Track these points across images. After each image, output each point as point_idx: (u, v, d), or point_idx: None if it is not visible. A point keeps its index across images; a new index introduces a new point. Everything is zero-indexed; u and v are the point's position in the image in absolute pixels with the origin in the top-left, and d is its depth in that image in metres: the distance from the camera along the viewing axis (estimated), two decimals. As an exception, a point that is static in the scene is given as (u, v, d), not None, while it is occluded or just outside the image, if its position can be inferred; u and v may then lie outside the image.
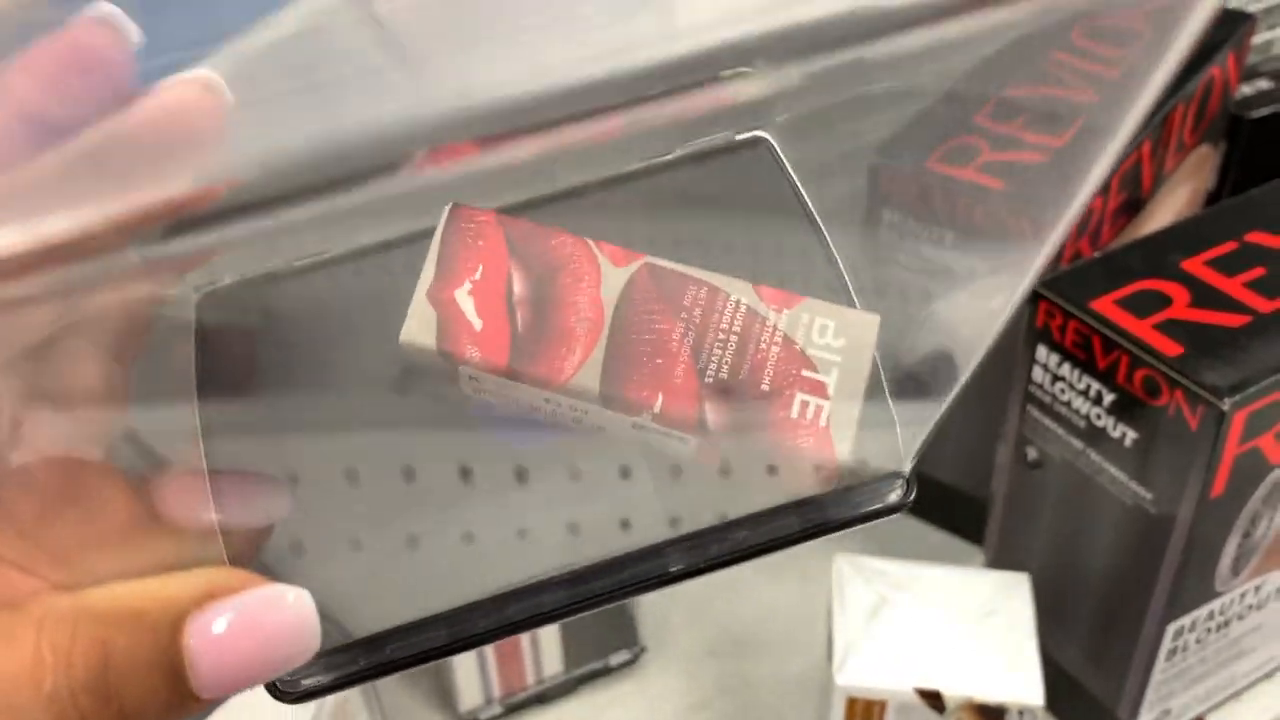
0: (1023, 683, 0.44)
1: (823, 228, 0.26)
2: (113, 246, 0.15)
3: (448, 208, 0.22)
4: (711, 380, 0.22)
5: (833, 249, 0.26)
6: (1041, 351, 0.48)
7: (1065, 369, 0.47)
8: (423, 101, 0.17)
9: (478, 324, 0.21)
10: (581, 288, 0.22)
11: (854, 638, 0.45)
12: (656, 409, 0.22)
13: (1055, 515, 0.51)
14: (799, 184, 0.25)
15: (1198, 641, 0.50)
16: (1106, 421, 0.46)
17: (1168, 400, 0.44)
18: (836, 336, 0.23)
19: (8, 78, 0.16)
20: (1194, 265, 0.48)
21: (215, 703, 0.17)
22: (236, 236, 0.17)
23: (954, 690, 0.43)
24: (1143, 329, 0.45)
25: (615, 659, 0.56)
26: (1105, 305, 0.46)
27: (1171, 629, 0.48)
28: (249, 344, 0.23)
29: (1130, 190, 0.56)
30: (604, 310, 0.22)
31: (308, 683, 0.20)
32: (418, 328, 0.22)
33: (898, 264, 0.54)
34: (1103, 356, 0.46)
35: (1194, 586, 0.47)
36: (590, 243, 0.23)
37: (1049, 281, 0.48)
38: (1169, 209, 0.61)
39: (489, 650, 0.53)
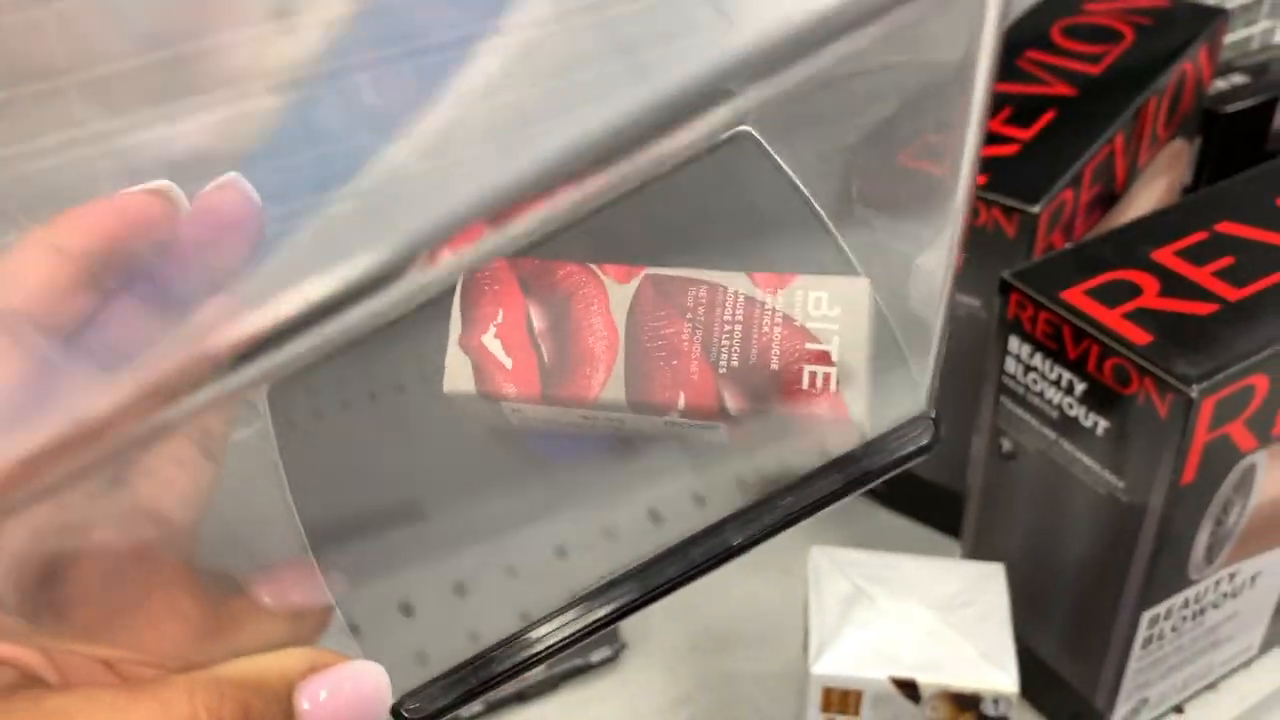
0: (997, 671, 0.44)
1: (816, 206, 0.27)
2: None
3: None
4: (725, 370, 0.24)
5: (829, 224, 0.27)
6: (1013, 342, 0.49)
7: (1037, 359, 0.48)
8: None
9: (508, 363, 0.23)
10: (593, 310, 0.24)
11: (829, 628, 0.46)
12: (681, 406, 0.24)
13: (1030, 506, 0.52)
14: (787, 169, 0.26)
15: (1173, 630, 0.50)
16: (1078, 411, 0.47)
17: (1138, 389, 0.44)
18: (832, 306, 0.24)
19: (65, 224, 0.19)
20: (1164, 255, 0.48)
21: None
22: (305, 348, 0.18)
23: (929, 679, 0.44)
24: (1112, 318, 0.45)
25: (596, 656, 0.56)
26: (1075, 296, 0.46)
27: (1146, 617, 0.48)
28: (321, 425, 0.24)
29: (1104, 183, 0.56)
30: (617, 326, 0.24)
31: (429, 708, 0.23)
32: (456, 377, 0.24)
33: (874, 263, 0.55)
34: (1073, 346, 0.46)
35: (1168, 574, 0.47)
36: (593, 267, 0.24)
37: (1020, 273, 0.48)
38: (1144, 203, 0.62)
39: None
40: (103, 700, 0.17)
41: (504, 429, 0.25)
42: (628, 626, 0.57)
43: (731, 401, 0.24)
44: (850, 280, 0.25)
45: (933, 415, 0.27)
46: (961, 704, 0.44)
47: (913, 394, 0.26)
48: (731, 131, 0.26)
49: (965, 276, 0.54)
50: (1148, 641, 0.49)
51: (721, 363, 0.24)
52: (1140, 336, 0.44)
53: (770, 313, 0.24)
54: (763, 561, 0.63)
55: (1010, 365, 0.49)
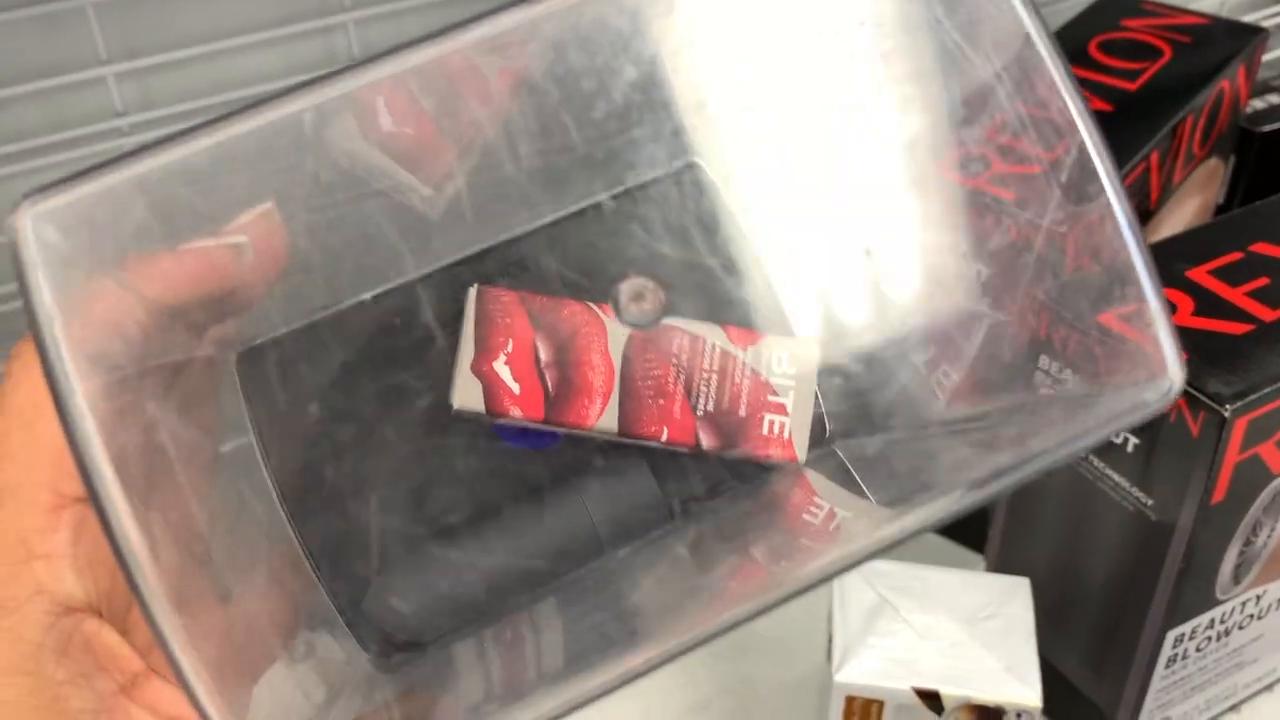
0: (1021, 685, 0.44)
1: (753, 247, 0.31)
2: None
3: (473, 290, 0.27)
4: (702, 413, 0.28)
5: (765, 268, 0.31)
6: (1044, 361, 0.49)
7: (1067, 375, 0.48)
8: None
9: (516, 388, 0.27)
10: (593, 347, 0.28)
11: (853, 637, 0.46)
12: (664, 439, 0.28)
13: (1056, 521, 0.51)
14: (730, 208, 0.30)
15: (1198, 650, 0.50)
16: (1109, 427, 0.47)
17: (1170, 407, 0.44)
18: (790, 365, 0.29)
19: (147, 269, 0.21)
20: (1198, 274, 0.48)
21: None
22: None
23: (952, 691, 0.44)
24: (1146, 336, 0.45)
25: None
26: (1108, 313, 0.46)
27: (1171, 636, 0.48)
28: (296, 394, 0.26)
29: (1138, 200, 0.56)
30: (613, 364, 0.27)
31: None
32: (467, 396, 0.27)
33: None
34: (1106, 363, 0.46)
35: (1194, 594, 0.47)
36: (594, 307, 0.28)
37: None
38: (1177, 221, 0.61)
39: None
40: None
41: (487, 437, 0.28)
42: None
43: (705, 440, 0.28)
44: (805, 342, 0.30)
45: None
46: (984, 717, 0.44)
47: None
48: (683, 163, 0.30)
49: (992, 290, 0.53)
50: (1171, 661, 0.49)
51: (700, 406, 0.28)
52: (1173, 354, 0.44)
53: (741, 365, 0.29)
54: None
55: (1040, 381, 0.49)
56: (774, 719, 0.55)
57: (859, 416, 0.30)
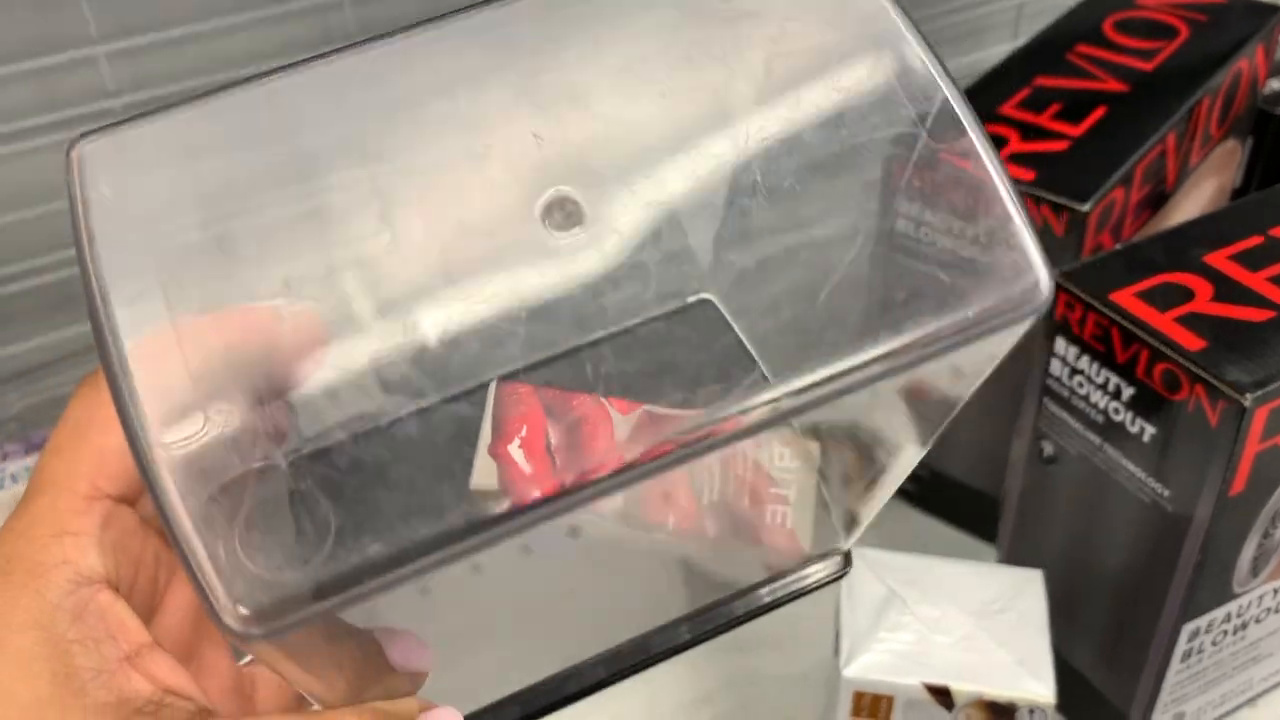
0: (1034, 680, 0.43)
1: (769, 377, 0.31)
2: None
3: (494, 382, 0.28)
4: (707, 502, 0.29)
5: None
6: (1060, 344, 0.47)
7: (1084, 362, 0.47)
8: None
9: (528, 468, 0.28)
10: (600, 434, 0.28)
11: (862, 631, 0.45)
12: (669, 527, 0.29)
13: (1070, 512, 0.50)
14: (745, 342, 0.30)
15: (1214, 644, 0.49)
16: (1125, 416, 0.45)
17: (1188, 395, 0.43)
18: (792, 460, 0.30)
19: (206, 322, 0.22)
20: (1217, 259, 0.47)
21: None
22: None
23: (963, 686, 0.43)
24: (1164, 322, 0.44)
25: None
26: (1126, 298, 0.45)
27: (1187, 630, 0.47)
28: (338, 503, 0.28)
29: (1154, 183, 0.55)
30: (620, 453, 0.28)
31: None
32: (484, 476, 0.28)
33: (915, 258, 0.54)
34: (1122, 350, 0.45)
35: (1211, 587, 0.46)
36: (603, 400, 0.29)
37: (1069, 273, 0.47)
38: (1193, 204, 0.60)
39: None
40: None
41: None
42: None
43: (710, 527, 0.30)
44: (805, 442, 0.31)
45: (846, 550, 0.32)
46: (996, 713, 0.43)
47: (834, 531, 0.32)
48: (696, 299, 0.30)
49: (1010, 275, 0.52)
50: (1187, 655, 0.48)
51: (704, 495, 0.29)
52: (1192, 342, 0.43)
53: (745, 459, 0.30)
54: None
55: (1055, 367, 0.48)
56: (780, 714, 0.54)
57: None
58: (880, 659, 0.43)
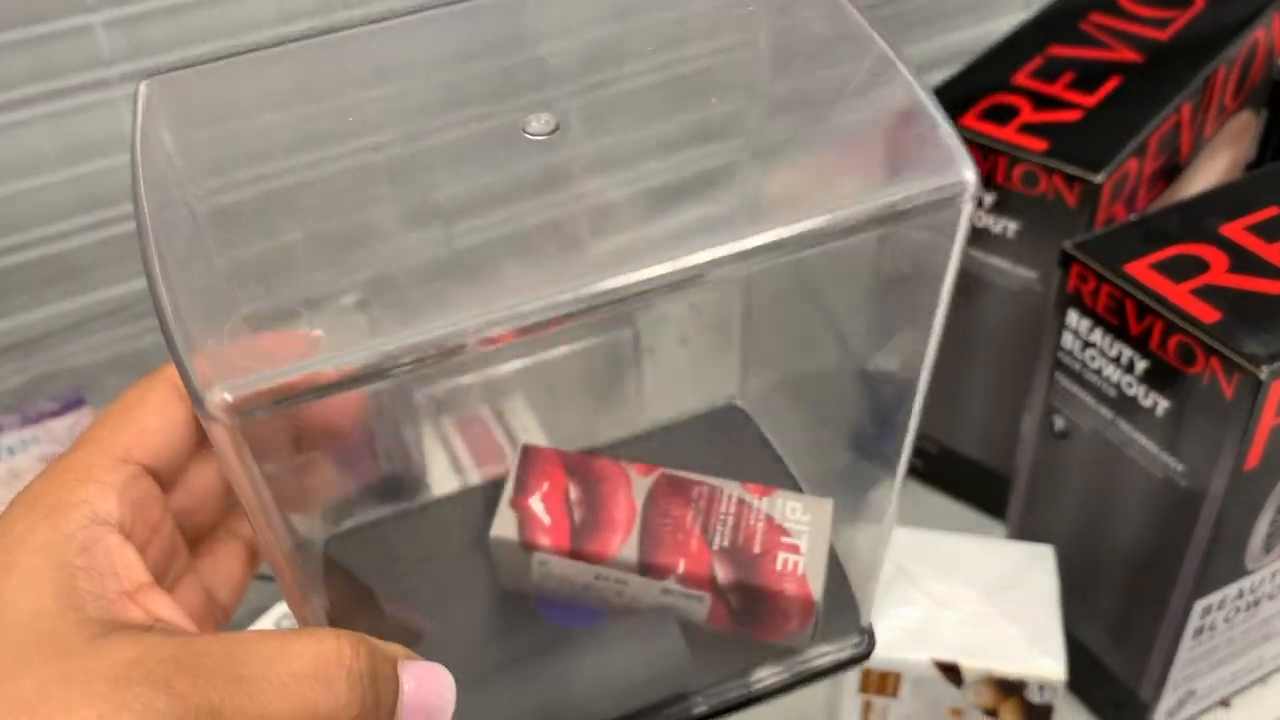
0: (1044, 657, 0.42)
1: (800, 485, 0.34)
2: None
3: (520, 445, 0.31)
4: (717, 549, 0.30)
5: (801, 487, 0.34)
6: (1072, 317, 0.47)
7: (1096, 335, 0.46)
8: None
9: (547, 521, 0.30)
10: (618, 492, 0.31)
11: (869, 607, 0.44)
12: (680, 571, 0.30)
13: (1081, 488, 0.50)
14: (776, 447, 0.33)
15: (1225, 621, 0.48)
16: (1138, 390, 0.45)
17: (1203, 368, 0.42)
18: (804, 513, 0.32)
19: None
20: (1233, 230, 0.46)
21: None
22: None
23: (972, 663, 0.42)
24: (1179, 294, 0.43)
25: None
26: (1140, 269, 0.44)
27: (1199, 606, 0.46)
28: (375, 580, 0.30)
29: (1168, 154, 0.54)
30: (636, 506, 0.31)
31: None
32: (504, 526, 0.30)
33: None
34: (1136, 322, 0.44)
35: (1224, 563, 0.45)
36: (622, 462, 0.32)
37: (1082, 244, 0.46)
38: (1207, 176, 0.59)
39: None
40: (270, 637, 0.22)
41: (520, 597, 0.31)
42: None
43: (720, 573, 0.30)
44: (818, 500, 0.33)
45: (867, 626, 0.33)
46: (1006, 689, 0.42)
47: (854, 610, 0.33)
48: (725, 404, 0.34)
49: (1022, 247, 0.51)
50: (1199, 632, 0.47)
51: (715, 541, 0.31)
52: (1207, 313, 0.42)
53: (756, 511, 0.31)
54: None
55: (1068, 340, 0.47)
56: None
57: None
58: (888, 635, 0.43)
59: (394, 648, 0.25)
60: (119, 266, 0.57)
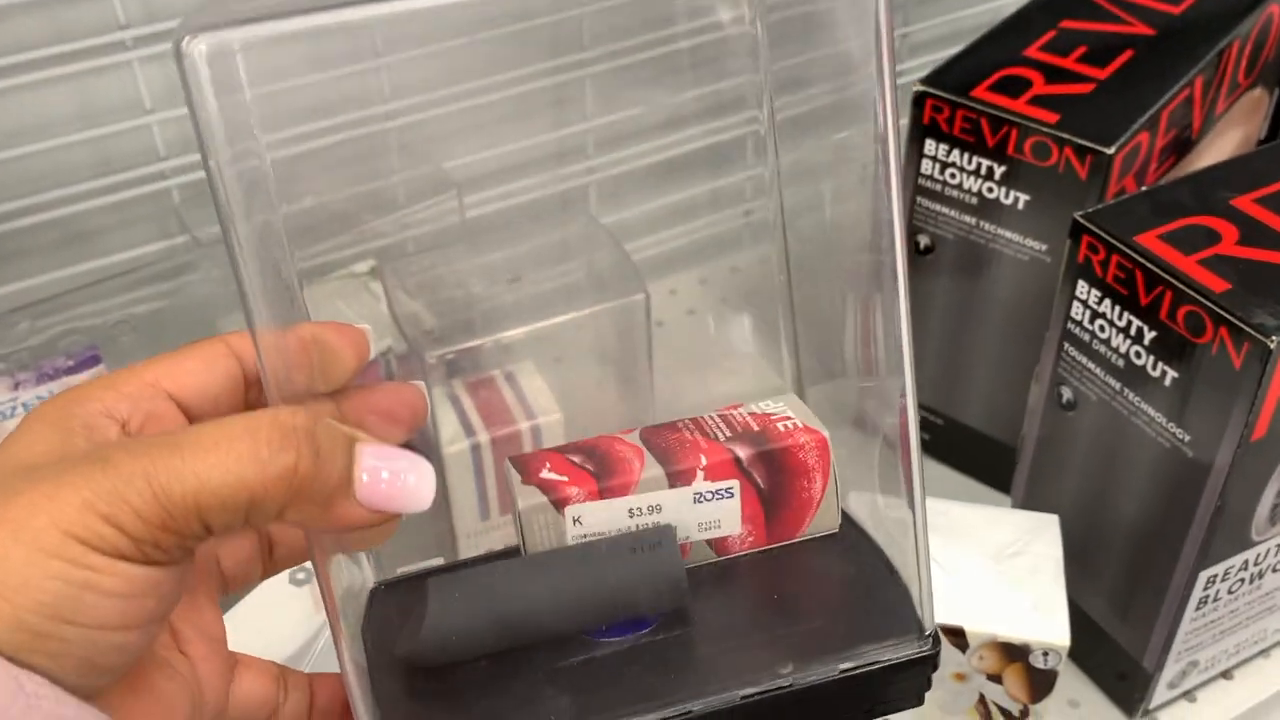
0: (1049, 623, 0.42)
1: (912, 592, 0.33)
2: None
3: (507, 461, 0.32)
4: (723, 438, 0.32)
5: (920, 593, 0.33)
6: (1082, 287, 0.47)
7: (1106, 305, 0.46)
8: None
9: (565, 478, 0.31)
10: (616, 444, 0.32)
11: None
12: (704, 466, 0.31)
13: (1087, 459, 0.50)
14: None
15: (1229, 592, 0.48)
16: (1146, 360, 0.45)
17: (1211, 338, 0.42)
18: (777, 402, 0.34)
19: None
20: (1244, 203, 0.46)
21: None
22: None
23: (977, 628, 0.42)
24: (1188, 264, 0.43)
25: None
26: (1150, 240, 0.44)
27: (1203, 577, 0.46)
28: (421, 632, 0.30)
29: (1179, 129, 0.54)
30: (637, 445, 0.32)
31: None
32: (529, 497, 0.31)
33: (941, 198, 0.53)
34: (1145, 292, 0.44)
35: (1229, 534, 0.46)
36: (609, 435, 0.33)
37: (1093, 214, 0.46)
38: (1218, 152, 0.59)
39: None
40: (234, 419, 0.23)
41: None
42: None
43: (741, 452, 0.32)
44: (783, 396, 0.35)
45: (932, 632, 0.32)
46: (1010, 654, 0.43)
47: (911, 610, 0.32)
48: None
49: (1031, 217, 0.52)
50: (1203, 603, 0.48)
51: (720, 436, 0.32)
52: (1217, 284, 0.42)
53: (738, 414, 0.34)
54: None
55: (1076, 311, 0.47)
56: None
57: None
58: (894, 600, 0.43)
59: (356, 431, 0.24)
60: (133, 230, 0.58)
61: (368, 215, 0.55)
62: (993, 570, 0.44)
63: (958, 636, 0.43)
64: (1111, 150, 0.48)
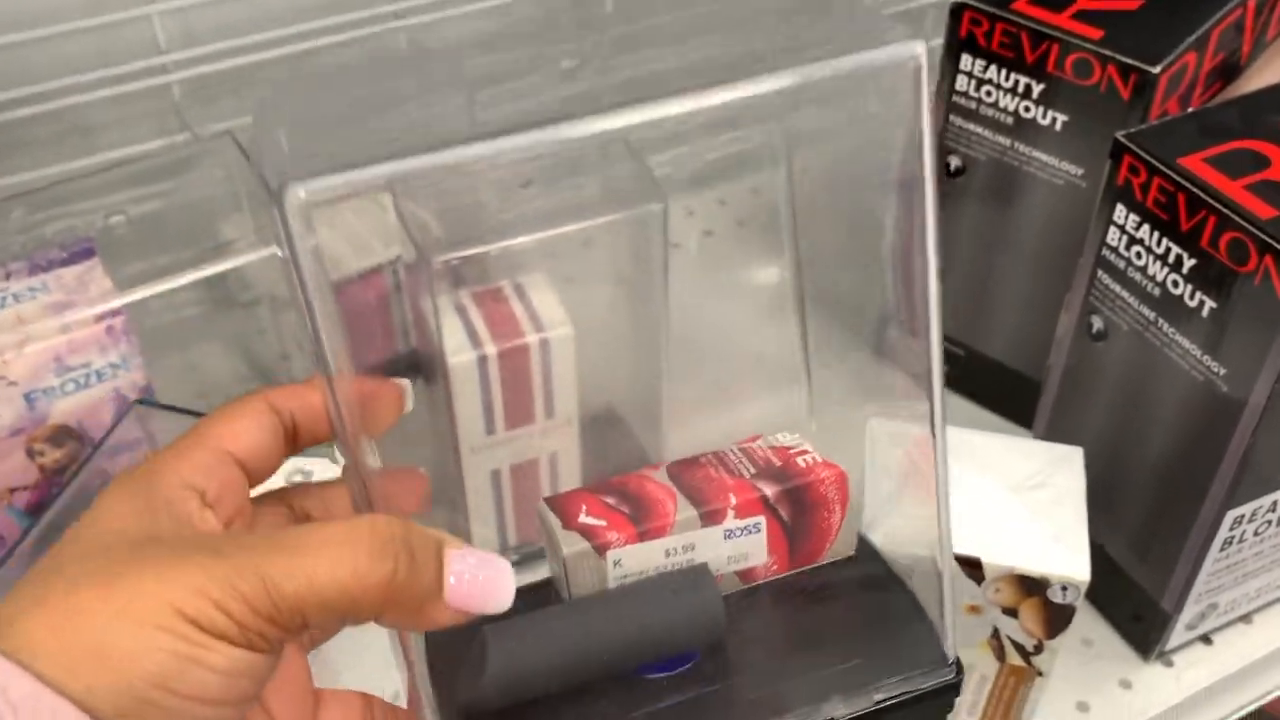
0: (1070, 556, 0.41)
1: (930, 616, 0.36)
2: None
3: (540, 503, 0.34)
4: (748, 475, 0.35)
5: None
6: (1119, 211, 0.45)
7: (1144, 231, 0.44)
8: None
9: (604, 523, 0.33)
10: (646, 483, 0.35)
11: (885, 500, 0.43)
12: (734, 505, 0.34)
13: (1114, 392, 0.48)
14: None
15: (1255, 534, 0.47)
16: (1184, 289, 0.43)
17: (1255, 266, 0.40)
18: (792, 435, 0.37)
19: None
20: (1295, 127, 0.44)
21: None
22: None
23: (995, 559, 0.41)
24: (1234, 189, 0.41)
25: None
26: (1194, 163, 0.42)
27: (1230, 517, 0.45)
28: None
29: (1228, 52, 0.51)
30: (667, 485, 0.35)
31: None
32: (573, 544, 0.33)
33: (975, 116, 0.51)
34: (1187, 218, 0.42)
35: (1259, 473, 0.44)
36: (631, 473, 0.35)
37: (1135, 135, 0.44)
38: (1266, 79, 0.57)
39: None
40: (335, 525, 0.25)
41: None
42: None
43: (768, 490, 0.35)
44: (794, 433, 0.38)
45: (954, 659, 0.35)
46: (1027, 588, 0.41)
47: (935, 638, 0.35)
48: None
49: (1068, 139, 0.49)
50: (1227, 543, 0.46)
51: (744, 473, 0.35)
52: (1264, 210, 0.40)
53: (755, 444, 0.36)
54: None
55: (1113, 236, 0.45)
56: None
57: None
58: (909, 527, 0.42)
59: (442, 534, 0.26)
60: (133, 127, 0.56)
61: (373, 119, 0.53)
62: (1013, 502, 0.43)
63: (974, 568, 0.41)
64: (1157, 70, 0.46)
